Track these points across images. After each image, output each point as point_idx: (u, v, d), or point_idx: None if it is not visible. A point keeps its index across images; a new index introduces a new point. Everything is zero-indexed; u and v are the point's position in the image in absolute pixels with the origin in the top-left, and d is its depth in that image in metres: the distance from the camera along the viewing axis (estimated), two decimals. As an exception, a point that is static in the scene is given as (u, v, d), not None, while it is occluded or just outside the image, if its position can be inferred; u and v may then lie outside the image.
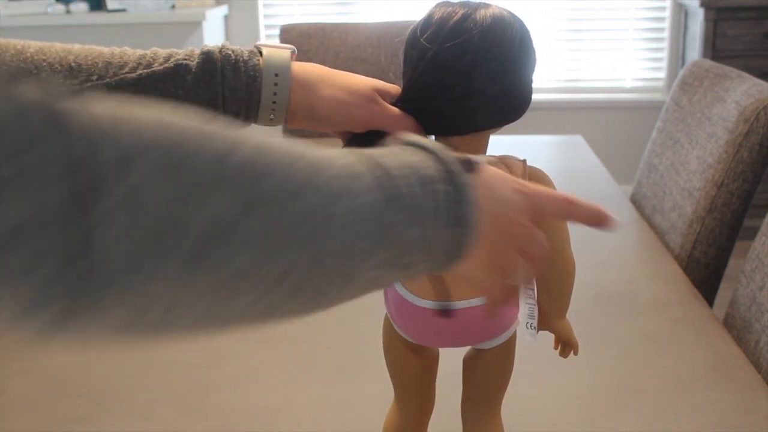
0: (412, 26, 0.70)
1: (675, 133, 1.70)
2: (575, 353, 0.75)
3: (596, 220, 0.58)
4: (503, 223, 0.54)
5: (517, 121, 0.72)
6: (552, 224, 0.67)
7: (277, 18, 3.50)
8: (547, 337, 0.74)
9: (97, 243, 0.37)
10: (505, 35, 0.66)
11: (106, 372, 1.05)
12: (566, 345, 0.75)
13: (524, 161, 0.67)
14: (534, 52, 0.70)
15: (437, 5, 0.69)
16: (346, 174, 0.47)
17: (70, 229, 0.36)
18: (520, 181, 0.57)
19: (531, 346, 0.76)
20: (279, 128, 2.43)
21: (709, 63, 1.71)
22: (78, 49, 0.72)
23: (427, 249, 0.50)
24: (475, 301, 0.69)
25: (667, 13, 3.42)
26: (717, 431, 0.91)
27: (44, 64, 0.70)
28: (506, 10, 0.69)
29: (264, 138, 0.45)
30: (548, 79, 3.50)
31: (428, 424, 0.80)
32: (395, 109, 0.71)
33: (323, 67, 0.74)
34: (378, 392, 0.98)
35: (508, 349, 0.75)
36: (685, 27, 3.36)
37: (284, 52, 0.72)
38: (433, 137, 0.70)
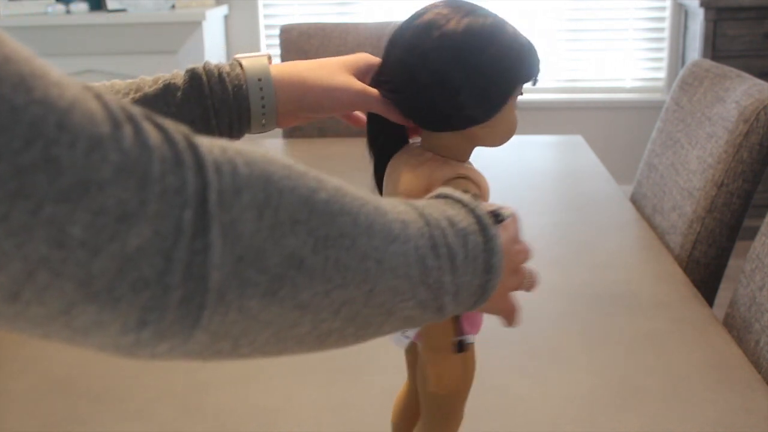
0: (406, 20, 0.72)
1: (675, 133, 1.69)
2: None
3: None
4: (511, 255, 0.62)
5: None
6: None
7: (277, 18, 3.50)
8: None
9: (198, 268, 0.40)
10: (461, 49, 0.67)
11: (106, 372, 1.05)
12: None
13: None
14: (490, 76, 0.68)
15: (431, 5, 0.71)
16: (398, 220, 0.52)
17: (182, 253, 0.39)
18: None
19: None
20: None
21: (709, 63, 1.71)
22: None
23: (457, 293, 0.55)
24: None
25: (667, 13, 3.43)
26: (717, 431, 0.91)
27: None
28: (492, 26, 0.68)
29: (337, 180, 0.50)
30: (548, 79, 3.50)
31: None
32: (373, 90, 0.74)
33: (296, 61, 0.78)
34: (378, 392, 0.99)
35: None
36: (685, 27, 3.36)
37: (261, 58, 0.75)
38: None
